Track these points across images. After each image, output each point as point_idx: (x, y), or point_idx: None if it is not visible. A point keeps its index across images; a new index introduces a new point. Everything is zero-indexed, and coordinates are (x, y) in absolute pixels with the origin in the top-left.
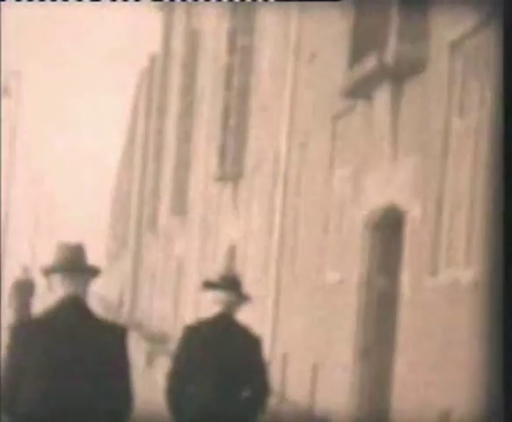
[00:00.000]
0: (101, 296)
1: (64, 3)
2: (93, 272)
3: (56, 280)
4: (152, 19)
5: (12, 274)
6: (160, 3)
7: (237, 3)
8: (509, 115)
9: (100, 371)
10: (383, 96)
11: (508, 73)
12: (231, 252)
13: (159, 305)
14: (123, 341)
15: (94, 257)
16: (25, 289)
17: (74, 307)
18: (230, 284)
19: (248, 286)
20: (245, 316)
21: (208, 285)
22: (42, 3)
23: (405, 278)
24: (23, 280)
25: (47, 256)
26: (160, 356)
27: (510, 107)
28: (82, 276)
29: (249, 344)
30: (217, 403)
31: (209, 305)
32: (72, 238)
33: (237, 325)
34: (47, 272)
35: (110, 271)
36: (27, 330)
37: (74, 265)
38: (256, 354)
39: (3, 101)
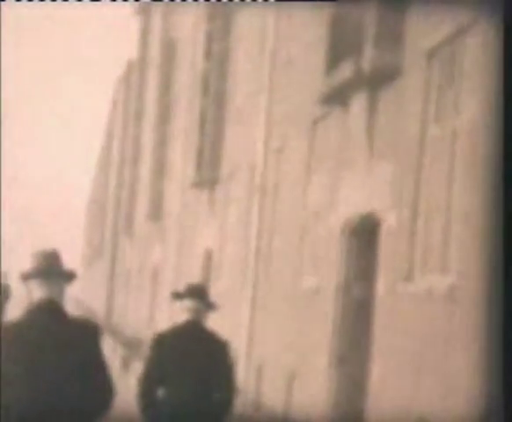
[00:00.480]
0: (78, 301)
1: (40, 6)
2: (68, 276)
3: (34, 285)
4: (129, 25)
5: None
6: (137, 8)
7: (213, 8)
8: (509, 115)
9: (78, 369)
10: (359, 102)
11: (508, 73)
12: (207, 258)
13: (135, 311)
14: (96, 338)
15: (69, 262)
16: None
17: (49, 309)
18: (197, 293)
19: (224, 292)
20: (221, 322)
21: (177, 295)
22: (41, 3)
23: (381, 284)
24: None
25: (24, 261)
26: (135, 361)
27: (510, 107)
28: (57, 281)
29: (217, 348)
30: (188, 406)
31: (180, 311)
32: (47, 243)
33: (205, 331)
34: (25, 277)
35: (85, 276)
36: (4, 334)
37: (49, 270)
38: (224, 358)
39: None
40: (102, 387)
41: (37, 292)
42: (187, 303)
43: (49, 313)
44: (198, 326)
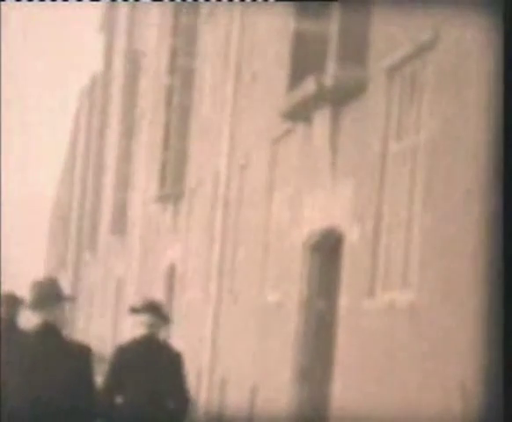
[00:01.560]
0: None
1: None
2: (65, 300)
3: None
4: (94, 38)
5: None
6: (102, 22)
7: (178, 22)
8: (509, 118)
9: (70, 386)
10: (322, 119)
11: (508, 73)
12: (171, 272)
13: (98, 325)
14: (89, 358)
15: (31, 273)
16: None
17: (46, 333)
18: (153, 308)
19: (188, 305)
20: (185, 335)
21: (133, 310)
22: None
23: (344, 300)
24: None
25: None
26: (98, 376)
27: (510, 110)
28: (54, 307)
29: (171, 359)
30: (144, 414)
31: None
32: (9, 254)
33: (160, 344)
34: (26, 307)
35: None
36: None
37: (46, 298)
38: (178, 368)
39: None
40: (88, 402)
41: (37, 317)
42: (143, 318)
43: (47, 336)
44: (154, 339)
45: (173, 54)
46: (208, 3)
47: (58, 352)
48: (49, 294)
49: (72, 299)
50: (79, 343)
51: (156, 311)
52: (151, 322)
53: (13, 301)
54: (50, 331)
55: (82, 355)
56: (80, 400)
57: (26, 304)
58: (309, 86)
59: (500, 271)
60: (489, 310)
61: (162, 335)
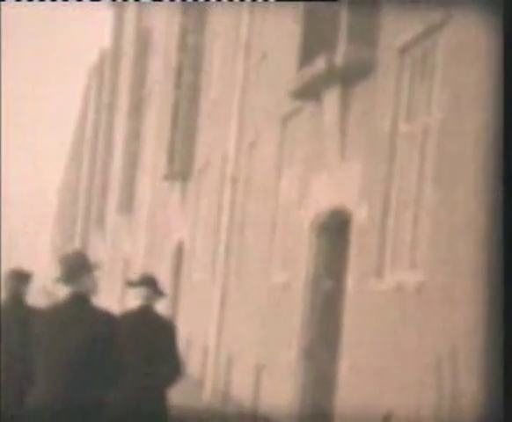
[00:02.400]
0: (48, 292)
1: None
2: (93, 268)
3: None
4: (103, 15)
5: None
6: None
7: (188, 1)
8: (509, 115)
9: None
10: (332, 98)
11: (508, 72)
12: (179, 251)
13: (105, 303)
14: (114, 324)
15: (39, 252)
16: None
17: (77, 302)
18: (147, 282)
19: (195, 284)
20: (191, 313)
21: (130, 283)
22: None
23: (351, 280)
24: None
25: None
26: None
27: (510, 107)
28: (84, 277)
29: (165, 329)
30: (140, 377)
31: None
32: (18, 232)
33: (155, 315)
34: (57, 281)
35: (56, 267)
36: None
37: (76, 271)
38: (171, 337)
39: None
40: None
41: (67, 287)
42: (140, 291)
43: (78, 305)
44: (149, 310)
45: (183, 32)
46: None
47: (87, 318)
48: (79, 266)
49: (99, 266)
50: (105, 310)
51: (151, 285)
52: (147, 294)
53: (21, 277)
54: (79, 301)
55: (109, 321)
56: (106, 362)
57: (57, 278)
58: (319, 65)
59: (508, 252)
60: (494, 290)
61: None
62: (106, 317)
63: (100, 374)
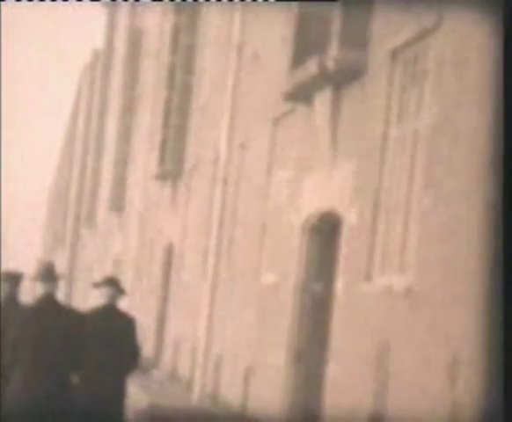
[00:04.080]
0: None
1: None
2: (59, 277)
3: (37, 284)
4: (96, 15)
5: None
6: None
7: (180, 2)
8: (509, 116)
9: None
10: (323, 100)
11: (508, 73)
12: (169, 251)
13: (95, 302)
14: (82, 321)
15: (30, 249)
16: None
17: (48, 301)
18: (110, 282)
19: (185, 284)
20: (181, 313)
21: (95, 285)
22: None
23: (340, 283)
24: None
25: None
26: None
27: (510, 108)
28: (52, 281)
29: (127, 323)
30: (105, 361)
31: (140, 302)
32: (8, 229)
33: (118, 311)
34: (31, 279)
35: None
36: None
37: (47, 274)
38: (132, 330)
39: None
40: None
41: (39, 288)
42: (103, 291)
43: (49, 304)
44: (112, 307)
45: (175, 33)
46: None
47: (58, 316)
48: (50, 272)
49: (62, 277)
50: (75, 309)
51: (113, 284)
52: (110, 293)
53: (14, 277)
54: (50, 299)
55: (77, 319)
56: (74, 352)
57: (31, 277)
58: (311, 67)
59: (499, 257)
60: (488, 294)
61: (119, 304)
62: (73, 313)
63: (68, 360)
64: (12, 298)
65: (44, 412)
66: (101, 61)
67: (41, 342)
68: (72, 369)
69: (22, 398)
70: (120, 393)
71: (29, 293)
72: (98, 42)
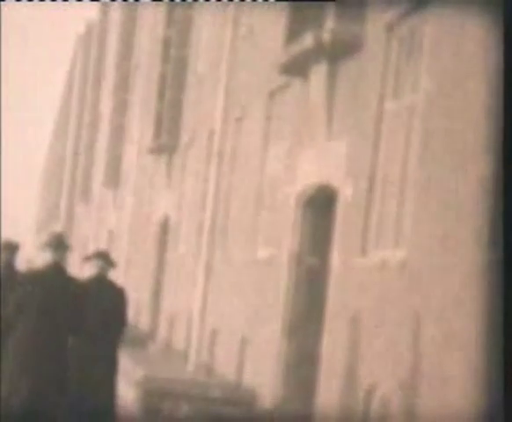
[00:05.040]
0: (30, 262)
1: None
2: (69, 248)
3: (46, 252)
4: None
5: None
6: None
7: None
8: (509, 115)
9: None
10: (318, 74)
11: (508, 73)
12: (164, 225)
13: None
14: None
15: (23, 225)
16: None
17: (56, 269)
18: (101, 255)
19: (180, 258)
20: (176, 287)
21: (86, 258)
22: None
23: (335, 257)
24: None
25: None
26: None
27: (510, 107)
28: (61, 250)
29: (116, 293)
30: (96, 327)
31: (136, 276)
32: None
33: (108, 282)
34: (41, 248)
35: (39, 241)
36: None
37: (57, 243)
38: (121, 299)
39: None
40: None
41: (48, 256)
42: (94, 263)
43: (57, 272)
44: (103, 278)
45: (171, 6)
46: None
47: (64, 284)
48: (60, 241)
49: (69, 247)
50: (79, 279)
51: (104, 257)
52: (101, 265)
53: (13, 247)
54: (58, 268)
55: (77, 284)
56: (75, 317)
57: (44, 244)
58: (307, 41)
59: (495, 231)
60: (482, 266)
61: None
62: (75, 281)
63: (67, 324)
64: (10, 266)
65: (44, 372)
66: (95, 33)
67: (46, 305)
68: (71, 333)
69: (26, 353)
70: (110, 359)
71: (23, 263)
72: (93, 13)
